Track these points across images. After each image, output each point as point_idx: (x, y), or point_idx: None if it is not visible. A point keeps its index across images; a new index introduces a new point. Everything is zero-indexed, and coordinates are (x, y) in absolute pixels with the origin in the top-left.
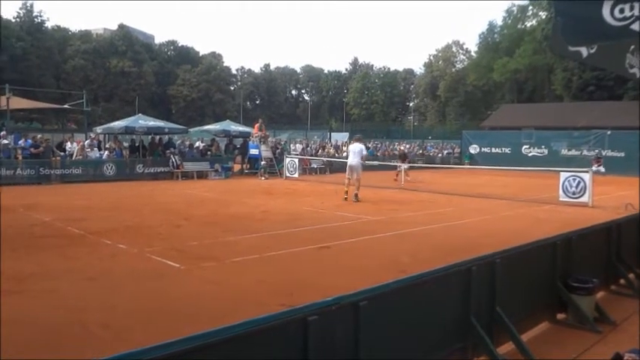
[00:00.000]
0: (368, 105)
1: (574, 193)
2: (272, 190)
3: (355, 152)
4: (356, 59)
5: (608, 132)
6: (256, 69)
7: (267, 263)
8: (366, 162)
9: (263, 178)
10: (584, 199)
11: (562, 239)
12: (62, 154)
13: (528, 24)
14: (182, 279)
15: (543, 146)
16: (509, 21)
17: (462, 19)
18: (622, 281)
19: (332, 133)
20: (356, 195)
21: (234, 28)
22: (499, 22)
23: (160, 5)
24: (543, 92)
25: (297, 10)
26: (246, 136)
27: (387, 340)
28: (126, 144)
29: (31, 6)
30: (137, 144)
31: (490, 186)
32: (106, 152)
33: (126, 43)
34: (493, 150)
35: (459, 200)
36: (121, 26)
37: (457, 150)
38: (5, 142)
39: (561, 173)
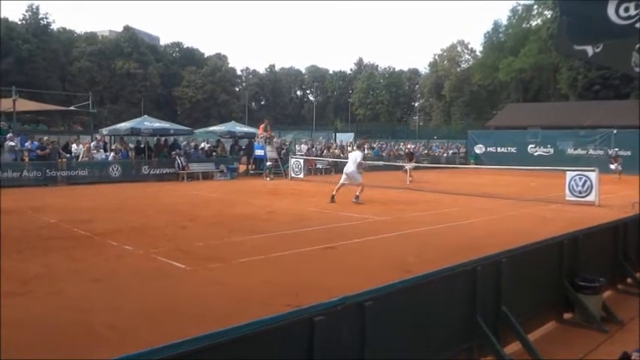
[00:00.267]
0: (373, 105)
1: (580, 193)
2: (277, 191)
3: (350, 160)
4: (361, 59)
5: (614, 131)
6: (261, 70)
7: (273, 264)
8: (372, 162)
9: (268, 178)
10: (591, 198)
11: (568, 238)
12: (68, 155)
13: (533, 23)
14: (188, 280)
15: (549, 145)
16: (515, 20)
17: (466, 18)
18: (629, 280)
19: (337, 134)
20: (356, 197)
21: (239, 29)
22: (504, 21)
23: (165, 7)
24: (549, 91)
25: (301, 10)
26: (251, 136)
27: (393, 341)
28: (131, 145)
29: (37, 8)
30: (143, 145)
31: (495, 186)
32: (112, 154)
33: (131, 44)
34: (499, 149)
35: (465, 200)
36: (127, 28)
37: (462, 150)
38: (12, 144)
39: (567, 172)
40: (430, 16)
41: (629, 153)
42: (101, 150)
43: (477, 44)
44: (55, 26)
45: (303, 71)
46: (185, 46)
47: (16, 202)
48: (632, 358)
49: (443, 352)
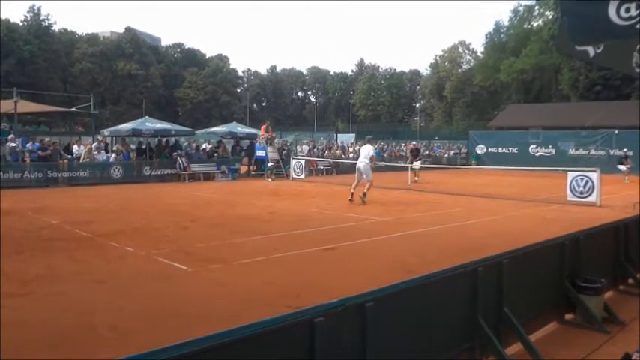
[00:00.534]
0: (374, 106)
1: (581, 193)
2: (279, 192)
3: (363, 154)
4: (362, 60)
5: (616, 131)
6: (262, 71)
7: (274, 265)
8: (373, 163)
9: (270, 179)
10: (592, 198)
11: (570, 239)
12: (70, 157)
13: (535, 24)
14: (189, 281)
15: (550, 146)
16: (516, 21)
17: (468, 19)
18: (630, 281)
19: (338, 135)
20: (364, 194)
21: (241, 30)
22: (505, 22)
23: (167, 8)
24: (550, 92)
25: (303, 11)
26: (252, 137)
27: (394, 341)
28: (133, 146)
29: (39, 9)
30: (144, 146)
31: (497, 186)
32: (113, 155)
33: (133, 46)
34: (500, 150)
35: (466, 201)
36: (128, 29)
37: (464, 150)
38: (13, 145)
39: (568, 173)
40: (431, 16)
41: (629, 154)
42: (102, 151)
43: (479, 45)
44: (56, 27)
45: (305, 72)
46: (186, 47)
47: (17, 204)
48: (634, 358)
49: (444, 352)
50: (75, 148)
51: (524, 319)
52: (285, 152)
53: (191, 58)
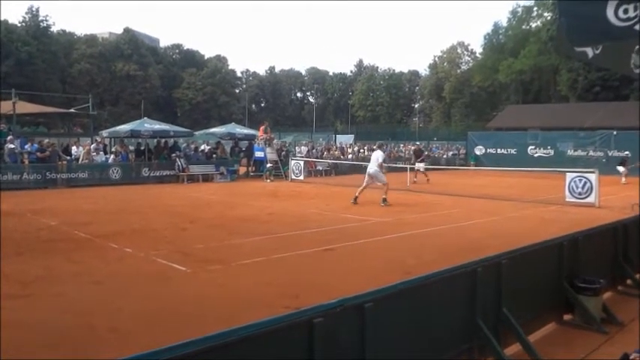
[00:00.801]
0: (373, 107)
1: (580, 194)
2: (277, 193)
3: (373, 160)
4: (361, 61)
5: (614, 132)
6: (261, 72)
7: (273, 265)
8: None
9: (268, 180)
10: (591, 199)
11: (568, 240)
12: (68, 158)
13: (533, 25)
14: (188, 282)
15: (549, 147)
16: (514, 22)
17: (466, 20)
18: (629, 281)
19: (337, 136)
20: (384, 199)
21: (239, 31)
22: (504, 23)
23: (165, 9)
24: (549, 93)
25: (301, 12)
26: (251, 138)
27: (393, 342)
28: (132, 147)
29: (37, 10)
30: (143, 147)
31: (496, 187)
32: (112, 156)
33: (131, 46)
34: (499, 151)
35: (465, 201)
36: (127, 30)
37: (463, 151)
38: (12, 146)
39: (567, 174)
40: (430, 17)
41: (629, 155)
42: (101, 152)
43: (477, 46)
44: (55, 28)
45: (304, 73)
46: (185, 48)
47: (15, 205)
48: (632, 358)
49: (443, 353)
50: (74, 149)
51: (523, 320)
52: (283, 153)
53: (190, 59)
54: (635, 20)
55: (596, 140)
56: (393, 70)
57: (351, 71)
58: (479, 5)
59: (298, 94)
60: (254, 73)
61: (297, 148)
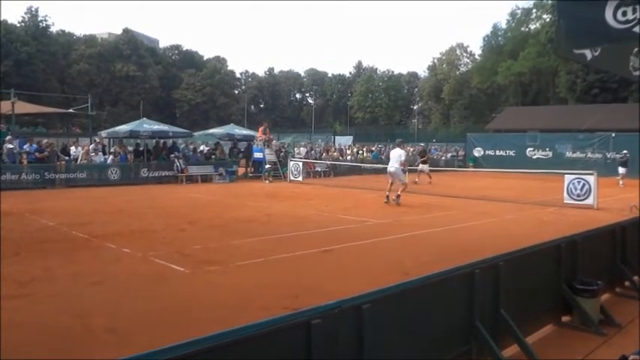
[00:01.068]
0: (372, 108)
1: (579, 196)
2: (276, 194)
3: (394, 158)
4: (360, 63)
5: (613, 134)
6: (260, 73)
7: (271, 266)
8: (370, 165)
9: (267, 181)
10: (589, 201)
11: (567, 242)
12: (67, 158)
13: (532, 27)
14: (187, 283)
15: (548, 149)
16: (513, 24)
17: (465, 22)
18: (627, 283)
19: (336, 137)
20: (398, 196)
21: (239, 32)
22: (503, 24)
23: (165, 9)
24: (547, 95)
25: (301, 13)
26: (250, 139)
27: (391, 343)
28: (130, 148)
29: (36, 10)
30: (141, 148)
31: (494, 189)
32: (111, 156)
33: (130, 47)
34: (497, 152)
35: (464, 203)
36: (126, 30)
37: (461, 153)
38: (10, 146)
39: (566, 176)
40: (429, 19)
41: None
42: (100, 153)
43: (476, 48)
44: (54, 29)
45: (303, 74)
46: (184, 49)
47: (14, 205)
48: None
49: (441, 354)
50: (72, 149)
51: (520, 322)
52: (282, 154)
53: (189, 59)
54: (634, 22)
55: (595, 142)
56: (392, 72)
57: (350, 73)
58: (478, 7)
59: (297, 96)
60: (253, 74)
61: (295, 149)
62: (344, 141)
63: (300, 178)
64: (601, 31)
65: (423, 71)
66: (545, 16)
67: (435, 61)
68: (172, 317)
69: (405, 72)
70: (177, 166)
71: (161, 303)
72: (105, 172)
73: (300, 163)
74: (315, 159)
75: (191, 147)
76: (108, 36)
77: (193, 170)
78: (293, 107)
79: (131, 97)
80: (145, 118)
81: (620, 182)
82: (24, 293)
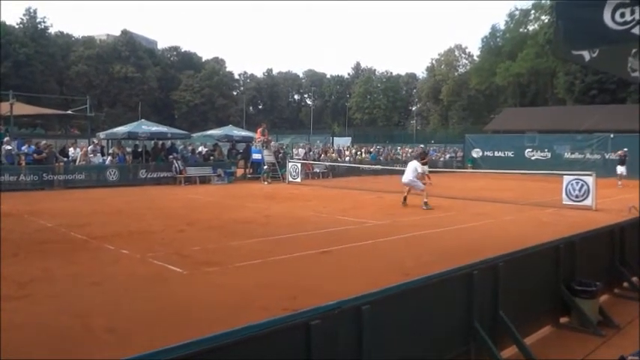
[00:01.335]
0: (370, 109)
1: (577, 197)
2: (275, 195)
3: (409, 170)
4: (358, 64)
5: (611, 135)
6: (259, 74)
7: (270, 268)
8: (369, 167)
9: (266, 182)
10: (588, 202)
11: (565, 243)
12: (65, 159)
13: (531, 28)
14: (185, 284)
15: (546, 150)
16: (512, 25)
17: (464, 23)
18: (625, 284)
19: (334, 138)
20: (425, 203)
21: (237, 33)
22: (502, 25)
23: (163, 11)
24: (546, 96)
25: (299, 14)
26: (248, 140)
27: (390, 344)
28: (129, 149)
29: (35, 12)
30: (140, 149)
31: (493, 190)
32: (109, 158)
33: (129, 48)
34: (496, 153)
35: (462, 204)
36: (124, 32)
37: (460, 154)
38: (8, 148)
39: (564, 177)
40: (428, 20)
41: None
42: (98, 154)
43: (475, 49)
44: (52, 30)
45: (301, 75)
46: (183, 50)
47: (13, 206)
48: None
49: (440, 355)
50: (71, 150)
51: (519, 323)
52: (281, 155)
53: (187, 61)
54: (632, 24)
55: (593, 143)
56: (391, 73)
57: (349, 74)
58: (476, 8)
59: (296, 97)
60: (251, 75)
61: (294, 150)
62: (342, 142)
63: (298, 180)
64: (599, 33)
65: (421, 72)
66: (543, 17)
67: (434, 62)
68: (172, 317)
69: (403, 73)
70: (175, 167)
71: (160, 303)
72: (103, 173)
73: (299, 164)
74: (314, 160)
75: (189, 148)
76: (106, 37)
77: (192, 171)
78: (291, 108)
79: (129, 98)
80: (143, 120)
81: (619, 183)
82: (24, 294)
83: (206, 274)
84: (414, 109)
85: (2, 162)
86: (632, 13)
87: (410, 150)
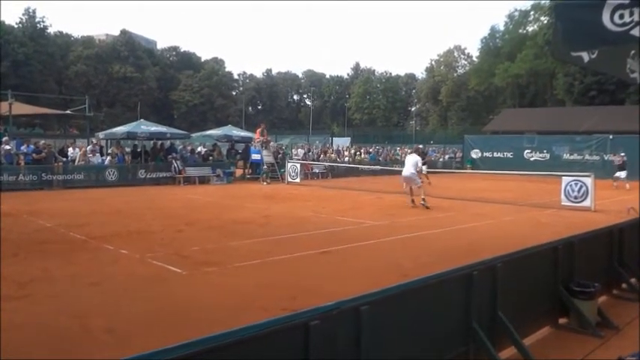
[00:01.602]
0: (370, 110)
1: (576, 198)
2: (274, 195)
3: (410, 163)
4: (358, 64)
5: (610, 136)
6: (258, 74)
7: (269, 268)
8: (368, 167)
9: (265, 183)
10: (586, 203)
11: (564, 243)
12: (64, 159)
13: (530, 29)
14: (184, 284)
15: (545, 151)
16: (511, 26)
17: (463, 24)
18: (624, 285)
19: (334, 138)
20: (423, 199)
21: (236, 33)
22: (501, 26)
23: (162, 11)
24: (545, 97)
25: (299, 15)
26: (248, 141)
27: (389, 345)
28: (128, 149)
29: (34, 12)
30: (139, 149)
31: (492, 190)
32: (108, 158)
33: (128, 48)
34: (495, 154)
35: (461, 205)
36: (123, 32)
37: (459, 154)
38: (7, 147)
39: (563, 178)
40: (427, 21)
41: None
42: (97, 154)
43: (474, 49)
44: (51, 30)
45: (300, 76)
46: (182, 50)
47: (12, 206)
48: None
49: (439, 356)
50: (70, 150)
51: (518, 323)
52: (280, 155)
53: (186, 61)
54: (631, 25)
55: (593, 144)
56: (390, 74)
57: (348, 74)
58: (476, 8)
59: (295, 97)
60: (251, 75)
61: (293, 150)
62: (342, 142)
63: (297, 180)
64: (598, 34)
65: (420, 73)
66: (542, 18)
67: (433, 62)
68: (171, 318)
69: (402, 74)
70: (174, 167)
71: (159, 304)
72: (102, 173)
73: (298, 165)
74: (313, 160)
75: (189, 148)
76: (105, 37)
77: (191, 171)
78: (291, 109)
79: (129, 98)
80: (142, 120)
81: (626, 185)
82: (23, 294)
83: (205, 275)
84: (413, 109)
85: (1, 162)
86: (631, 14)
87: (409, 150)
